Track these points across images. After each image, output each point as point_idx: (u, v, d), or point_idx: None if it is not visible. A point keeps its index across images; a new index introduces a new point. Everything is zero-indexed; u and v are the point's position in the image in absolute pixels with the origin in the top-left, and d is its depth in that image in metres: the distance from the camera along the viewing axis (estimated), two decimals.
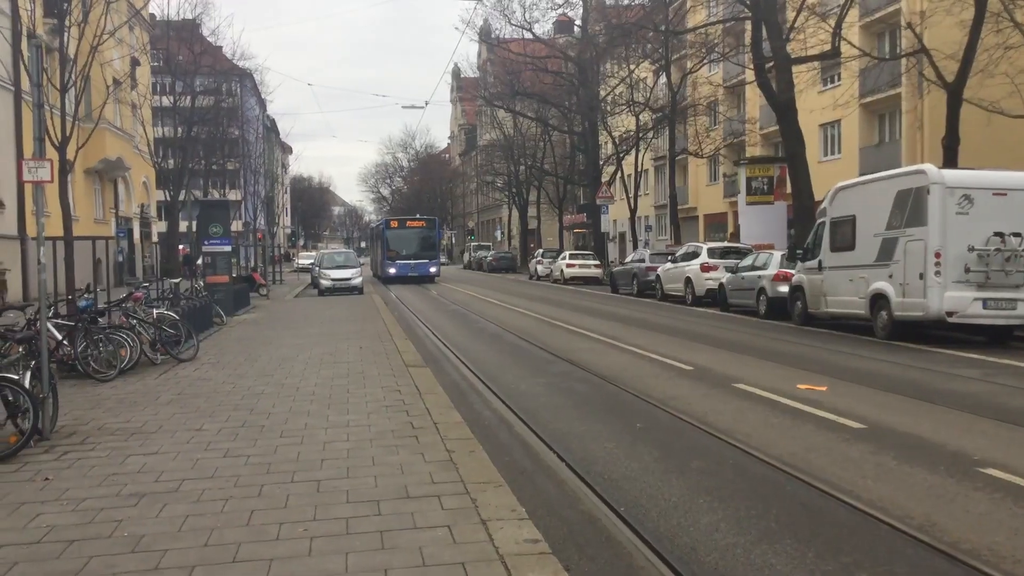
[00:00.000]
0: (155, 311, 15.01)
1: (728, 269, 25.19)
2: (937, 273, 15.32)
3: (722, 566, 5.35)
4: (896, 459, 7.72)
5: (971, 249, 15.25)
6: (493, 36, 55.12)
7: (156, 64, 48.50)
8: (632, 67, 46.16)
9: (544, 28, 52.80)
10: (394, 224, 51.14)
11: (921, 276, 15.56)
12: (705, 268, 26.82)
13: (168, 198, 47.90)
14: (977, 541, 5.66)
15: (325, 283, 37.21)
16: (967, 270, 15.29)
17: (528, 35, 50.54)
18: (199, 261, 24.39)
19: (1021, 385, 11.62)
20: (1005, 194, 15.49)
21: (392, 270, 47.41)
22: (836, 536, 5.84)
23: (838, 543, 5.69)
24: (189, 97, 47.92)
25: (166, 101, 49.47)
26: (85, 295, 14.60)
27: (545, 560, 4.96)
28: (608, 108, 49.74)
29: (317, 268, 40.71)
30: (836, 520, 6.18)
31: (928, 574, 5.19)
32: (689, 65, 44.12)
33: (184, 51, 47.07)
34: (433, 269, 48.01)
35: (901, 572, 5.20)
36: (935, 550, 5.52)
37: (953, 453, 7.91)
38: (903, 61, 29.56)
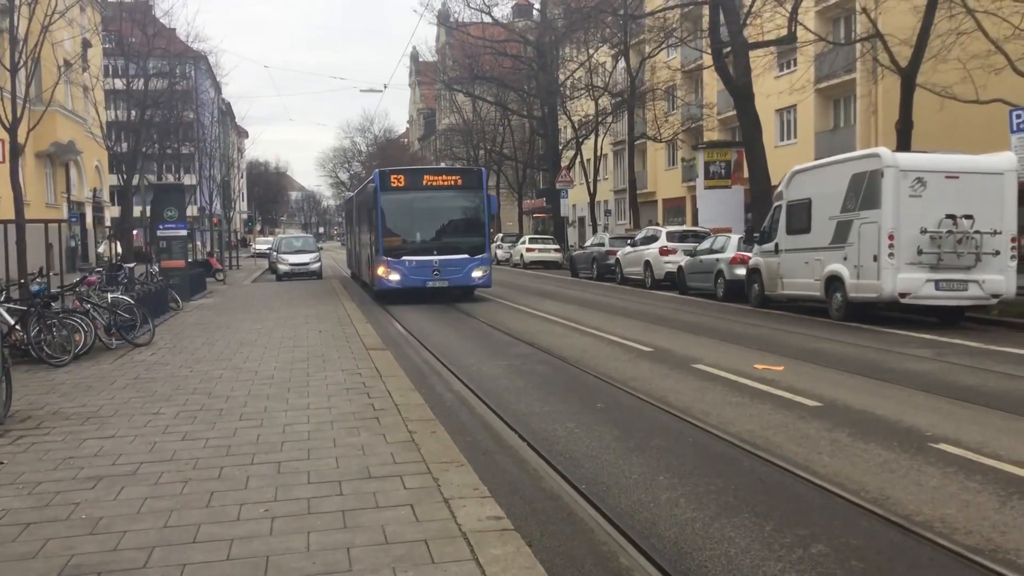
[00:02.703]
0: (109, 295, 14.79)
1: (687, 252, 25.38)
2: (891, 255, 15.56)
3: (681, 540, 5.42)
4: (851, 435, 7.86)
5: (924, 231, 15.51)
6: (452, 19, 54.76)
7: (108, 46, 47.56)
8: (591, 51, 46.20)
9: (503, 12, 53.01)
10: (398, 181, 23.66)
11: (875, 258, 15.80)
12: (664, 252, 27.01)
13: (121, 182, 47.14)
14: (930, 513, 5.78)
15: (283, 268, 36.93)
16: (920, 252, 15.56)
17: (487, 18, 50.32)
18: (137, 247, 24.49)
19: (971, 364, 11.87)
20: (957, 177, 15.75)
21: (394, 276, 22.86)
22: (793, 510, 5.93)
23: (795, 516, 5.78)
24: (142, 80, 47.08)
25: (119, 84, 48.60)
26: (37, 279, 14.36)
27: (507, 536, 4.98)
28: (567, 92, 49.73)
29: (275, 253, 40.36)
30: (793, 494, 6.28)
31: (882, 545, 5.30)
32: (647, 50, 44.27)
33: (137, 33, 46.22)
34: (479, 273, 23.24)
35: (856, 544, 5.30)
36: (889, 522, 5.63)
37: (906, 429, 8.07)
38: (858, 46, 29.88)
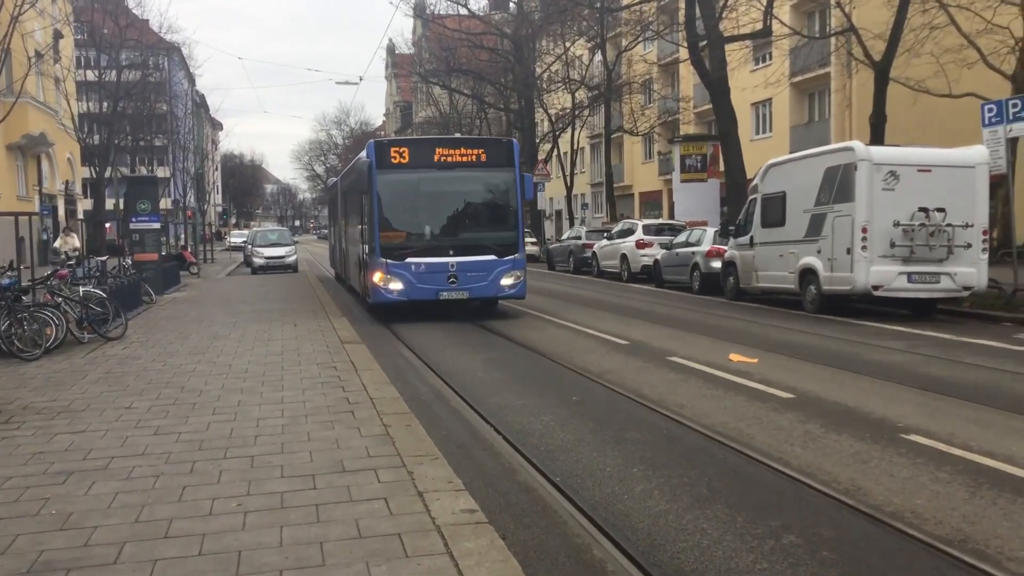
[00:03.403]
0: (81, 289, 14.64)
1: (663, 246, 25.46)
2: (864, 248, 15.68)
3: (655, 532, 5.44)
4: (823, 427, 7.92)
5: (896, 224, 15.63)
6: (428, 12, 54.55)
7: (80, 37, 47.07)
8: (568, 44, 46.21)
9: (479, 4, 52.70)
10: (400, 156, 17.53)
11: (848, 251, 15.91)
12: (640, 245, 27.08)
13: (94, 175, 46.69)
14: (900, 504, 5.84)
15: (258, 261, 36.74)
16: (892, 245, 15.68)
17: (463, 11, 50.20)
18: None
19: (943, 355, 11.98)
20: (929, 171, 15.88)
21: (396, 285, 17.06)
22: (765, 501, 5.97)
23: (767, 507, 5.82)
24: (114, 71, 46.60)
25: (91, 75, 48.10)
26: (8, 273, 14.18)
27: (481, 529, 4.98)
28: (544, 85, 49.72)
29: (250, 246, 40.13)
30: (766, 485, 6.32)
31: (853, 535, 5.34)
32: (624, 43, 44.33)
33: (109, 23, 45.75)
34: (509, 280, 17.43)
35: (827, 534, 5.34)
36: (860, 512, 5.68)
37: (878, 420, 8.14)
38: (832, 40, 30.12)
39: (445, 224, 17.31)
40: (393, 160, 17.00)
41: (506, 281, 17.06)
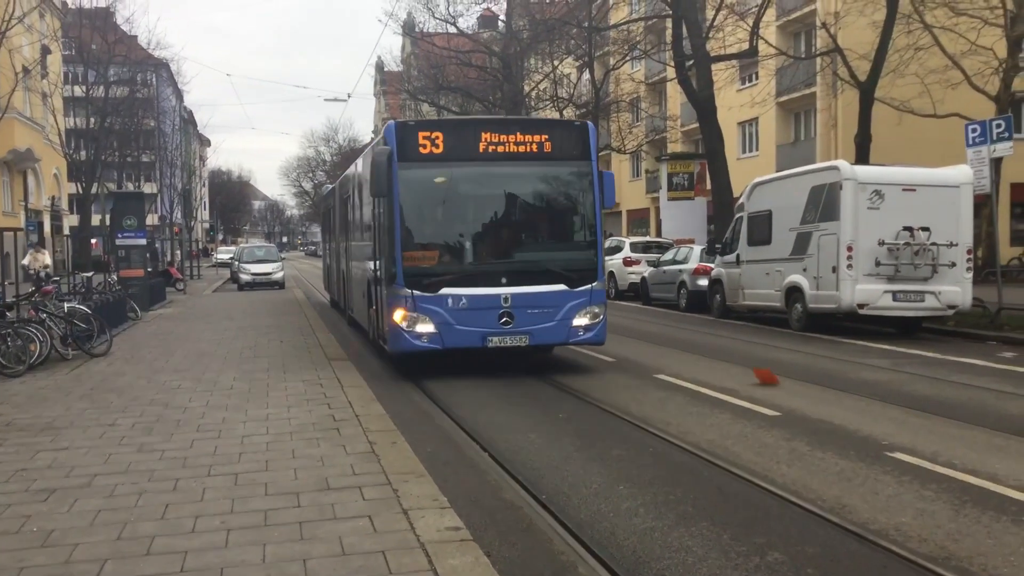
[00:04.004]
0: (66, 305, 14.56)
1: (650, 263, 25.51)
2: (849, 266, 15.76)
3: (640, 549, 5.43)
4: (809, 444, 7.94)
5: (881, 243, 15.72)
6: (417, 30, 54.74)
7: (68, 52, 47.01)
8: (556, 63, 46.40)
9: (468, 22, 52.71)
10: (432, 143, 12.12)
11: (834, 269, 15.98)
12: (628, 262, 27.15)
13: (80, 191, 46.54)
14: (885, 521, 5.85)
15: (245, 277, 36.65)
16: (877, 263, 15.76)
17: (452, 29, 50.34)
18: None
19: (928, 374, 12.03)
20: (914, 190, 15.99)
21: (425, 327, 11.85)
22: (751, 518, 5.97)
23: (752, 525, 5.82)
24: (102, 87, 46.53)
25: (78, 91, 48.01)
26: None
27: (466, 547, 4.97)
28: (532, 103, 49.86)
29: (237, 263, 40.04)
30: (751, 503, 6.32)
31: (838, 553, 5.35)
32: (612, 62, 44.53)
33: (97, 39, 45.71)
34: (585, 320, 12.25)
35: (812, 552, 5.34)
36: (845, 530, 5.69)
37: (863, 438, 8.16)
38: (818, 60, 30.34)
39: (495, 240, 12.43)
40: (422, 149, 11.91)
41: (580, 320, 12.05)
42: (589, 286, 12.19)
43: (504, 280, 11.86)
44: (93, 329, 14.38)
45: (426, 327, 11.70)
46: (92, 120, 46.43)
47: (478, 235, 12.39)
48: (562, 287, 12.05)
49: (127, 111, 48.36)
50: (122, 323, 18.67)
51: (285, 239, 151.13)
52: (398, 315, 11.77)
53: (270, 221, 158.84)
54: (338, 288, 22.41)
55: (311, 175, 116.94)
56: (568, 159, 12.55)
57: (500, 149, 12.13)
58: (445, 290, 11.69)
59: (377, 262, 13.05)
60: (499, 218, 12.58)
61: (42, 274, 20.95)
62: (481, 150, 12.09)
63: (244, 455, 7.22)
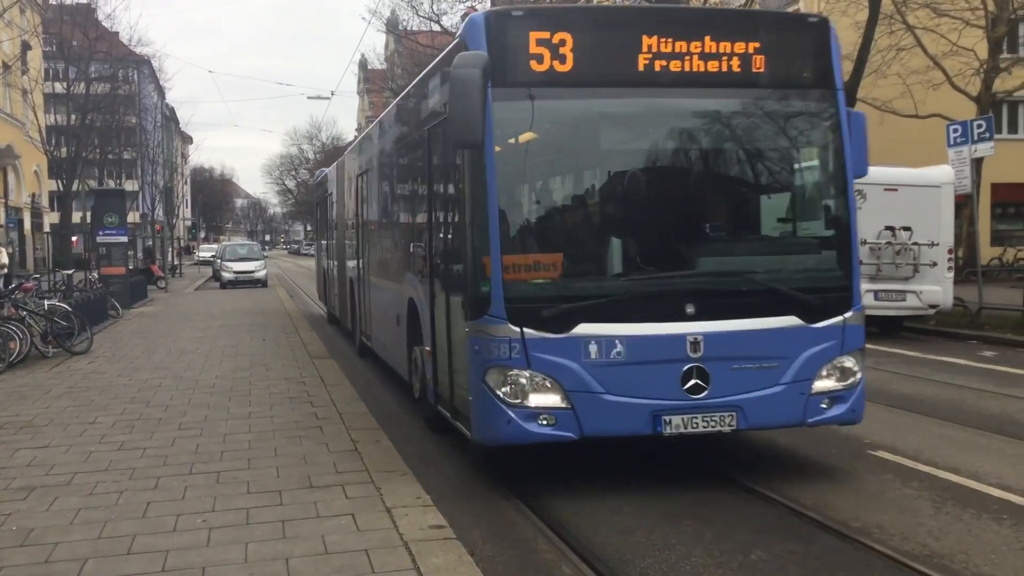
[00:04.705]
0: (46, 302, 14.45)
1: None
2: None
3: (624, 547, 5.43)
4: (789, 444, 7.96)
5: (863, 243, 15.76)
6: (400, 27, 54.65)
7: (49, 49, 46.64)
8: None
9: (452, 20, 52.63)
10: (553, 57, 6.38)
11: None
12: None
13: (61, 188, 46.20)
14: (867, 519, 5.87)
15: (227, 275, 36.47)
16: (859, 263, 15.79)
17: (436, 27, 50.31)
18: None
19: (909, 373, 12.10)
20: (896, 190, 16.06)
21: (551, 399, 6.28)
22: (734, 517, 5.98)
23: (735, 523, 5.83)
24: (83, 83, 46.21)
25: (59, 87, 47.66)
26: None
27: (449, 545, 4.96)
28: None
29: (219, 261, 39.86)
30: (734, 502, 6.33)
31: (820, 551, 5.36)
32: None
33: (78, 36, 45.37)
34: (830, 381, 6.73)
35: (796, 548, 5.36)
36: (827, 528, 5.71)
37: (845, 437, 8.17)
38: None
39: (669, 235, 7.10)
40: (536, 64, 6.53)
41: (826, 383, 6.83)
42: (839, 319, 6.85)
43: (690, 309, 6.48)
44: (74, 327, 14.27)
45: (548, 398, 6.33)
46: (73, 117, 46.09)
47: (639, 226, 6.98)
48: (793, 321, 6.70)
49: (108, 108, 48.03)
50: (103, 321, 18.54)
51: (268, 237, 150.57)
52: (494, 376, 6.35)
53: (253, 219, 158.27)
54: (342, 302, 16.58)
55: (294, 173, 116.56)
56: (798, 86, 7.12)
57: (675, 67, 6.68)
58: (582, 328, 6.33)
59: (436, 274, 7.86)
60: (676, 194, 7.17)
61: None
62: (642, 67, 6.65)
63: (226, 453, 7.19)
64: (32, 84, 39.82)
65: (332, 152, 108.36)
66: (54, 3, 45.14)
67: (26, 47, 37.12)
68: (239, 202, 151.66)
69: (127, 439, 7.78)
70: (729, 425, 6.49)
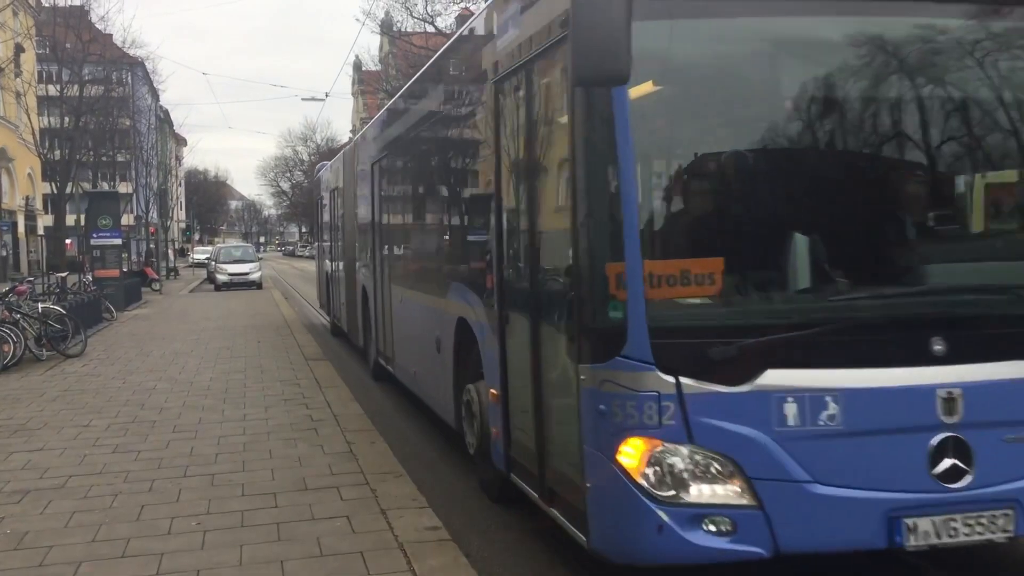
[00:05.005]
0: (40, 305, 14.43)
1: None
2: None
3: None
4: None
5: None
6: (395, 29, 54.63)
7: (42, 51, 46.55)
8: None
9: (447, 22, 52.67)
10: None
11: None
12: None
13: (55, 190, 46.11)
14: None
15: (222, 277, 36.48)
16: None
17: (431, 28, 50.31)
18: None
19: None
20: None
21: (723, 497, 3.94)
22: None
23: None
24: (77, 86, 46.12)
25: (53, 90, 47.56)
26: None
27: (445, 547, 4.95)
28: None
29: (214, 263, 39.85)
30: None
31: None
32: None
33: (72, 38, 45.29)
34: None
35: None
36: None
37: None
38: None
39: (899, 228, 4.54)
40: None
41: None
42: None
43: (938, 347, 4.10)
44: (68, 330, 14.26)
45: (721, 490, 4.02)
46: (67, 119, 46.00)
47: (853, 216, 4.57)
48: None
49: (102, 110, 47.95)
50: (97, 323, 18.53)
51: (263, 239, 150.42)
52: (633, 453, 4.03)
53: (247, 221, 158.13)
54: (351, 314, 14.03)
55: (288, 175, 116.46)
56: None
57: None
58: (771, 377, 3.99)
59: (510, 287, 5.50)
60: (910, 169, 4.65)
61: None
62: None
63: (221, 456, 7.18)
64: (25, 87, 39.82)
65: (327, 153, 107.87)
66: (47, 5, 45.10)
67: (19, 50, 37.11)
68: (233, 204, 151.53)
69: (121, 442, 7.77)
70: (1004, 530, 4.10)
